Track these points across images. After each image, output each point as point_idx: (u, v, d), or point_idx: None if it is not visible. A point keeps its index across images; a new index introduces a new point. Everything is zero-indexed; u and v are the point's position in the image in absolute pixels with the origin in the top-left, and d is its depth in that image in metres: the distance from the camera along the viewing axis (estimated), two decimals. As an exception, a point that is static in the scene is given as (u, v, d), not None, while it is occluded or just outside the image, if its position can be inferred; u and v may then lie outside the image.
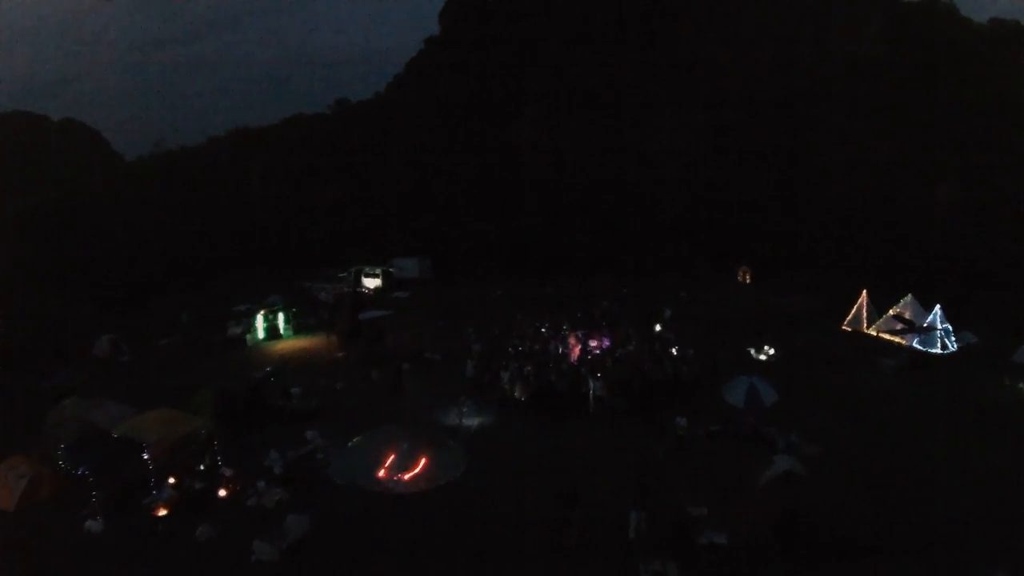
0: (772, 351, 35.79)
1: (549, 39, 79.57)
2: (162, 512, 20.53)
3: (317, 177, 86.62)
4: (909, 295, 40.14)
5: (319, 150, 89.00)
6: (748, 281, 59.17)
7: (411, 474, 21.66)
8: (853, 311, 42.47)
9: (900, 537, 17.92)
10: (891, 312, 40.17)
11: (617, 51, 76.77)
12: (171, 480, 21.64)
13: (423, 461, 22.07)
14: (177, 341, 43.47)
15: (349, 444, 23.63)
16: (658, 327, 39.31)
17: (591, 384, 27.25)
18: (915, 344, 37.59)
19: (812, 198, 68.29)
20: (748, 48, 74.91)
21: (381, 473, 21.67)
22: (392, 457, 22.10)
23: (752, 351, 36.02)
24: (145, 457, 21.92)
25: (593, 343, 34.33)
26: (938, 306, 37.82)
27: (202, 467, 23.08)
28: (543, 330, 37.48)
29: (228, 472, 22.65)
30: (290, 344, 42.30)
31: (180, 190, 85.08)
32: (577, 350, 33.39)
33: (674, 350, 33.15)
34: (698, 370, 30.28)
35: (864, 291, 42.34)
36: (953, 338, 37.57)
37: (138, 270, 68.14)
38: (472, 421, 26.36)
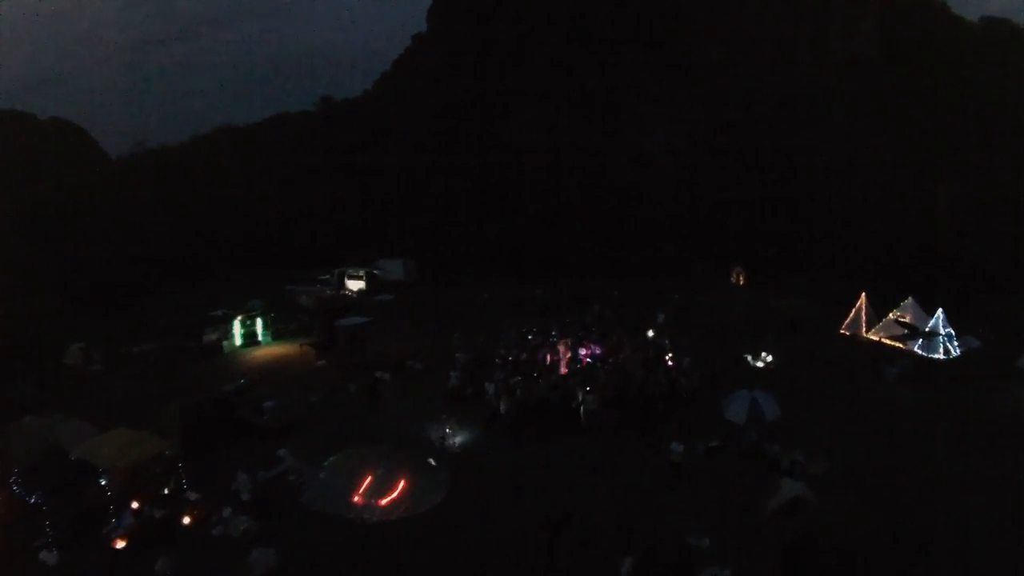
0: (770, 358, 34.44)
1: (542, 36, 78.09)
2: (120, 544, 19.02)
3: (302, 176, 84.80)
4: (910, 298, 38.92)
5: (304, 149, 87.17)
6: (742, 283, 57.88)
7: (389, 499, 20.15)
8: (852, 315, 41.16)
9: (913, 567, 16.62)
10: (892, 316, 38.96)
11: (612, 49, 75.34)
12: (134, 505, 20.23)
13: (402, 484, 20.56)
14: (152, 348, 41.63)
15: (323, 464, 22.12)
16: (651, 333, 37.93)
17: (582, 397, 25.75)
18: (916, 349, 36.41)
19: (809, 198, 67.00)
20: (745, 47, 73.70)
21: (356, 498, 20.15)
22: (368, 480, 20.59)
23: (749, 358, 34.64)
24: (103, 483, 20.46)
25: (583, 351, 32.73)
26: (940, 310, 36.62)
27: (166, 491, 21.60)
28: (530, 337, 35.87)
29: (193, 497, 21.24)
30: (268, 351, 40.57)
31: (163, 190, 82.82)
32: (567, 358, 31.92)
33: (668, 358, 31.73)
34: (695, 381, 28.74)
35: (863, 294, 41.05)
36: (956, 343, 36.40)
37: (119, 272, 66.14)
38: (455, 439, 24.77)
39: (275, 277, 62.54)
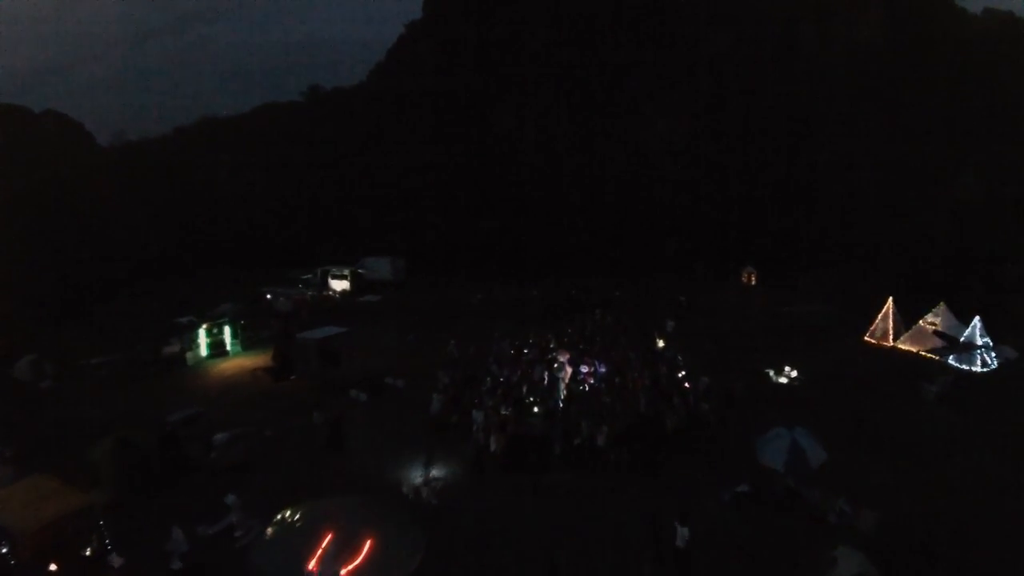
0: (795, 373, 30.82)
1: (540, 25, 74.57)
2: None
3: (287, 169, 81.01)
4: (942, 304, 35.47)
5: (290, 140, 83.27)
6: (754, 283, 54.29)
7: (351, 565, 16.53)
8: (877, 321, 37.61)
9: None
10: (922, 323, 35.43)
11: (610, 37, 71.88)
12: (52, 567, 16.74)
13: (368, 545, 16.94)
14: (109, 361, 37.82)
15: (275, 519, 18.50)
16: (661, 343, 34.27)
17: (586, 432, 21.92)
18: (951, 361, 32.94)
19: (814, 193, 63.63)
20: (748, 37, 70.20)
21: (312, 565, 16.53)
22: (328, 539, 16.98)
23: (772, 373, 31.05)
24: (5, 551, 16.92)
25: (585, 368, 28.88)
26: (977, 318, 33.11)
27: (87, 552, 17.96)
28: (525, 351, 32.10)
29: (117, 562, 17.62)
30: (236, 363, 36.71)
31: (139, 184, 78.83)
32: (568, 376, 28.13)
33: (682, 376, 28.07)
34: (717, 406, 24.92)
35: (890, 299, 37.43)
36: (993, 353, 32.93)
37: (84, 274, 62.22)
38: (435, 485, 20.95)
39: (252, 278, 58.90)
